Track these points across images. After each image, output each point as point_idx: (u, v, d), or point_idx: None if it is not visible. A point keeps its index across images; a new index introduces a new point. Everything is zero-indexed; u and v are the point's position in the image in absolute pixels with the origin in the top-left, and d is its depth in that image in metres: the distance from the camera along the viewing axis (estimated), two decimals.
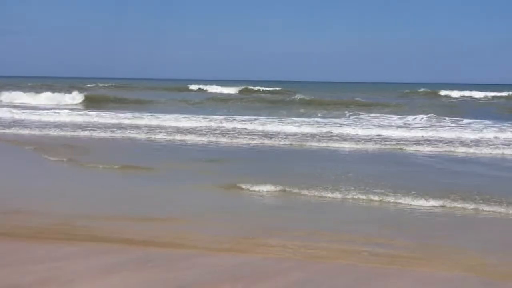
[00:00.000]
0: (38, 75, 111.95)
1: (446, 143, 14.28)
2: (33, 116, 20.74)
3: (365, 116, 23.34)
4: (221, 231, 5.76)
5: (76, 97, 31.26)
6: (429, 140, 14.82)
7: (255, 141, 14.45)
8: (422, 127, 18.10)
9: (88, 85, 50.80)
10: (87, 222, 5.95)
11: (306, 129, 17.09)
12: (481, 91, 46.82)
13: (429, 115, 22.50)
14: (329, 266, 4.68)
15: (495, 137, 15.26)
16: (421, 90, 50.48)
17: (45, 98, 31.38)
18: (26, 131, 15.99)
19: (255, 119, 19.82)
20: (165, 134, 15.71)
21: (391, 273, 4.55)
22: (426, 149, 13.26)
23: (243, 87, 50.03)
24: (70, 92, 33.16)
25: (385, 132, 16.36)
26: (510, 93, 45.47)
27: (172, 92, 43.68)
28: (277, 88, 50.61)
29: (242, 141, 14.55)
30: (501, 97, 44.05)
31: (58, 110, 23.12)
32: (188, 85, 53.75)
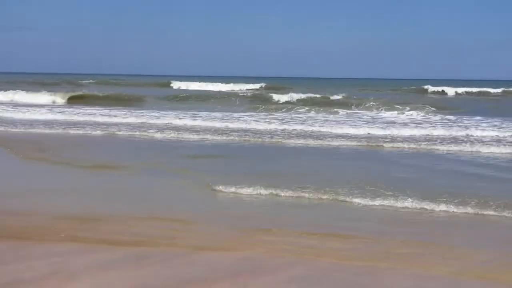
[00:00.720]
0: (34, 71, 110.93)
1: (438, 140, 14.34)
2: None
3: (355, 112, 23.69)
4: (216, 230, 5.92)
5: (49, 95, 30.55)
6: (422, 138, 14.95)
7: (229, 138, 14.71)
8: (413, 124, 18.24)
9: (84, 82, 50.79)
10: (80, 223, 6.07)
11: (296, 127, 17.31)
12: (478, 87, 46.75)
13: (420, 111, 22.83)
14: (328, 263, 4.85)
15: (487, 135, 15.31)
16: (415, 86, 50.50)
17: (19, 96, 30.80)
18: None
19: (234, 116, 20.28)
20: (139, 131, 15.91)
21: (388, 270, 4.72)
22: (420, 147, 13.35)
23: (232, 83, 49.98)
24: (54, 90, 32.68)
25: (373, 130, 16.53)
26: (505, 89, 45.44)
27: (155, 89, 43.32)
28: (271, 84, 50.46)
29: (220, 138, 14.75)
30: (496, 93, 44.00)
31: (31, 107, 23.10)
32: (171, 81, 53.50)
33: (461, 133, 15.73)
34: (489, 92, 45.42)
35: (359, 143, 13.84)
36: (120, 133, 15.55)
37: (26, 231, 5.64)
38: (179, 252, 5.03)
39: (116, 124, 17.54)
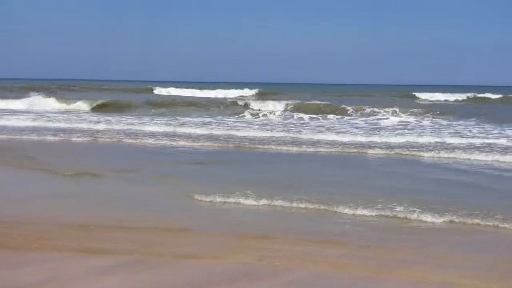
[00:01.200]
0: (18, 77, 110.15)
1: (430, 147, 14.19)
2: None
3: (345, 118, 23.78)
4: (209, 238, 5.99)
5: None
6: (414, 144, 14.77)
7: (214, 144, 14.77)
8: (404, 130, 18.30)
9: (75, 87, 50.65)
10: (72, 230, 6.11)
11: (282, 134, 17.29)
12: (474, 92, 46.37)
13: (411, 116, 23.27)
14: (324, 269, 4.98)
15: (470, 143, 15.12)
16: (407, 92, 50.37)
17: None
18: None
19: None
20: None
21: (382, 277, 4.84)
22: (410, 154, 13.21)
23: (222, 89, 49.80)
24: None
25: (362, 137, 16.44)
26: (500, 95, 45.12)
27: (137, 95, 42.72)
28: (266, 90, 50.49)
29: (202, 144, 14.85)
30: (493, 99, 43.75)
31: None
32: (153, 87, 53.03)
33: (453, 140, 15.74)
34: (486, 98, 44.93)
35: (345, 150, 13.87)
36: (102, 140, 15.57)
37: (18, 239, 5.67)
38: (173, 260, 5.12)
39: (97, 131, 17.58)
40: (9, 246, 5.43)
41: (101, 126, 18.93)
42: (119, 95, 41.37)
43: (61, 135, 16.14)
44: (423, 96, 47.42)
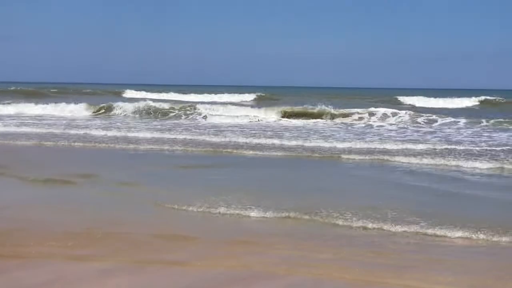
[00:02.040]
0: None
1: (424, 154, 13.48)
2: None
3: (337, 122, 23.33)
4: (203, 244, 6.00)
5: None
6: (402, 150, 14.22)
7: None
8: (393, 134, 17.80)
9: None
10: (66, 237, 6.10)
11: (266, 140, 16.55)
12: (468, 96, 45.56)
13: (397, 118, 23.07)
14: (321, 273, 5.07)
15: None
16: (395, 96, 49.52)
17: None
18: None
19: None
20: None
21: (378, 282, 4.93)
22: (395, 160, 12.71)
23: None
24: None
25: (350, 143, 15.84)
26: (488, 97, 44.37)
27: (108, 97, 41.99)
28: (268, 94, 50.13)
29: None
30: (484, 102, 42.97)
31: None
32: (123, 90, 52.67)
33: (440, 145, 15.12)
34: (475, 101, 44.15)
35: (317, 155, 13.54)
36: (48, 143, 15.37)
37: (11, 245, 5.74)
38: (169, 265, 5.21)
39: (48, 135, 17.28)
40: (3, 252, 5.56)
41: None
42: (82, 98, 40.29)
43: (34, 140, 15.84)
44: (419, 100, 46.51)
